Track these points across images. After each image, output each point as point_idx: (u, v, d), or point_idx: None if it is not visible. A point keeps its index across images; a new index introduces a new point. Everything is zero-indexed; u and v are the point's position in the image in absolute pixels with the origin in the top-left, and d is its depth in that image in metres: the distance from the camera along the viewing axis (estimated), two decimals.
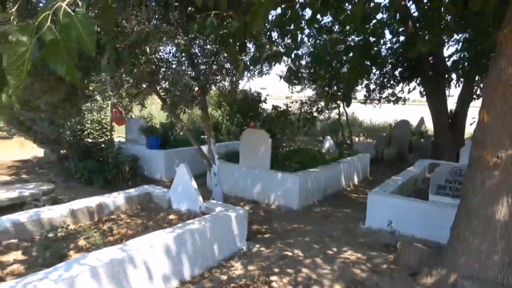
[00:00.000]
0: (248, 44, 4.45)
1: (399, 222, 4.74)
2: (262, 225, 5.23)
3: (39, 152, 9.15)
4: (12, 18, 1.45)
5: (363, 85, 10.34)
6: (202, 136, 7.94)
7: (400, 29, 7.61)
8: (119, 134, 9.14)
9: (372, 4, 4.04)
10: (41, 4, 3.91)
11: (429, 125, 11.64)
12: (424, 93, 9.70)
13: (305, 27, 4.80)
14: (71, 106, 4.94)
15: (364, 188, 7.48)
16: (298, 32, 4.07)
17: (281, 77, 7.63)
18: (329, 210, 6.04)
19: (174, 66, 4.63)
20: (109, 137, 7.22)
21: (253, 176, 6.33)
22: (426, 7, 5.85)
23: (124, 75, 3.86)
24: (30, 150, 9.89)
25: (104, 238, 3.59)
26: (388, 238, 4.62)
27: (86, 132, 7.03)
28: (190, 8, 4.32)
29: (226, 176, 6.33)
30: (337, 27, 6.38)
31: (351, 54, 4.33)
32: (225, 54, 4.81)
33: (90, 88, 5.28)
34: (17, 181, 6.51)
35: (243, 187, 6.46)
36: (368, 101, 10.49)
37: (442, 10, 4.42)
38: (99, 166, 6.52)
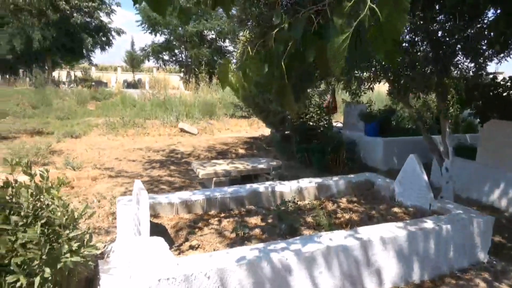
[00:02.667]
0: None
1: None
2: (507, 239, 4.25)
3: (266, 131, 10.38)
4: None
5: None
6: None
7: None
8: (337, 119, 9.34)
9: None
10: None
11: None
12: None
13: None
14: (302, 91, 5.22)
15: None
16: None
17: None
18: None
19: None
20: (328, 121, 7.40)
21: (495, 177, 5.23)
22: None
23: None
24: (256, 129, 11.36)
25: (329, 220, 3.63)
26: None
27: (308, 115, 7.42)
28: None
29: (457, 174, 5.46)
30: None
31: None
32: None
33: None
34: (249, 155, 7.52)
35: (478, 189, 5.44)
36: None
37: None
38: (318, 148, 6.78)
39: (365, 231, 3.01)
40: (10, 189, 2.52)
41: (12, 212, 2.44)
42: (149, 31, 25.70)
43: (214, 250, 2.98)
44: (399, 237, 3.01)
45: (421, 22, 4.19)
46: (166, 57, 27.59)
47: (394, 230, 3.06)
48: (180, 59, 27.63)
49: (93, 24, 23.92)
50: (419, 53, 4.43)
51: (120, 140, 8.51)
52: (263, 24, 4.47)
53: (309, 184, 4.43)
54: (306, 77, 5.82)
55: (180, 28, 24.53)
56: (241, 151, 7.87)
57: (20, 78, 21.24)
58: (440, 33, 4.35)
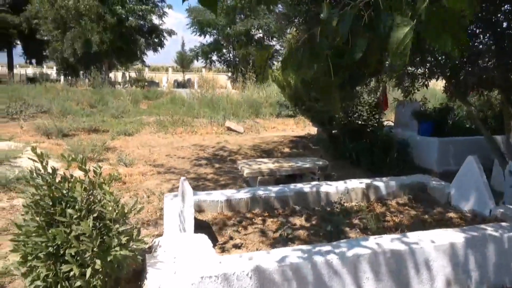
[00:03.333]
0: None
1: None
2: None
3: (312, 130, 10.21)
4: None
5: None
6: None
7: None
8: (387, 118, 8.96)
9: None
10: None
11: None
12: None
13: None
14: (351, 89, 5.05)
15: None
16: None
17: None
18: None
19: None
20: (378, 120, 7.11)
21: None
22: None
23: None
24: (303, 128, 11.21)
25: (378, 223, 3.47)
26: None
27: (357, 114, 7.18)
28: None
29: None
30: None
31: None
32: None
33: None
34: (294, 154, 7.43)
35: None
36: None
37: None
38: (367, 148, 6.54)
39: (417, 236, 2.84)
40: (66, 183, 2.67)
41: (68, 205, 2.58)
42: (198, 32, 26.36)
43: (257, 249, 2.96)
44: (455, 244, 2.80)
45: (483, 13, 3.88)
46: (214, 57, 28.19)
47: (450, 236, 2.85)
48: (228, 58, 28.07)
49: (146, 26, 24.98)
50: (480, 46, 4.10)
51: (169, 138, 8.80)
52: (311, 21, 4.37)
53: (356, 185, 4.27)
54: (355, 74, 5.63)
55: (228, 28, 24.91)
56: (287, 150, 7.81)
57: (81, 79, 22.73)
58: (505, 24, 4.00)
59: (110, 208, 2.67)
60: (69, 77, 23.07)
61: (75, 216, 2.48)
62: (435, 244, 2.75)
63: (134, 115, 11.96)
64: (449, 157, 6.35)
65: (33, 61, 32.14)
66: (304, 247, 2.65)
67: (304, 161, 5.88)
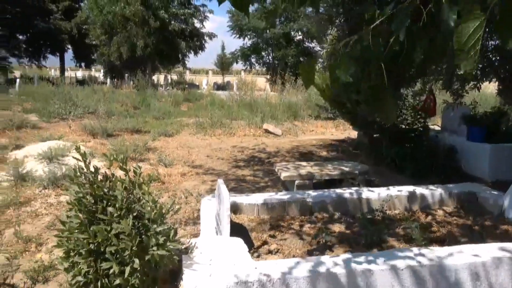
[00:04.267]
0: None
1: None
2: None
3: (352, 133, 9.94)
4: None
5: None
6: None
7: None
8: (432, 122, 8.54)
9: None
10: None
11: None
12: None
13: None
14: (394, 91, 4.83)
15: None
16: None
17: None
18: None
19: None
20: (423, 123, 6.77)
21: None
22: None
23: None
24: (342, 131, 10.95)
25: (423, 233, 3.27)
26: None
27: (400, 118, 6.88)
28: None
29: None
30: None
31: None
32: None
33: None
34: (333, 158, 7.24)
35: None
36: None
37: None
38: (412, 153, 6.24)
39: (469, 249, 2.63)
40: (108, 182, 2.73)
41: (108, 203, 2.64)
42: (238, 35, 26.62)
43: (294, 256, 2.89)
44: None
45: None
46: (253, 60, 28.33)
47: (509, 250, 2.62)
48: (267, 61, 28.14)
49: (188, 30, 25.59)
50: None
51: (208, 140, 8.90)
52: (353, 20, 4.24)
53: (400, 192, 4.07)
54: (400, 76, 5.40)
55: (267, 32, 24.97)
56: (325, 153, 7.64)
57: (125, 82, 23.66)
58: None
59: (149, 208, 2.71)
60: (115, 80, 24.10)
61: (115, 215, 2.53)
62: (493, 258, 2.53)
63: (175, 117, 12.24)
64: (502, 165, 5.91)
65: (83, 64, 33.93)
66: (344, 255, 2.54)
67: (344, 165, 5.70)
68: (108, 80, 24.32)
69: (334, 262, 2.40)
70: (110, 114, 11.27)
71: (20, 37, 28.01)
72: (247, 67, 29.32)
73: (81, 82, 22.75)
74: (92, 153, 6.59)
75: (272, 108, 12.15)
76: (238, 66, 33.06)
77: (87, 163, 2.71)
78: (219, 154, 7.46)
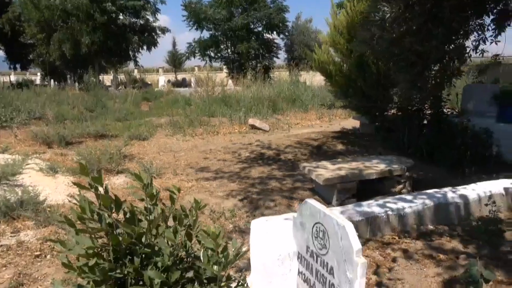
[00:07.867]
0: None
1: None
2: None
3: (345, 123, 9.14)
4: None
5: None
6: None
7: None
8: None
9: None
10: None
11: None
12: None
13: None
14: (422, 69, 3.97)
15: None
16: None
17: None
18: None
19: None
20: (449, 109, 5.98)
21: None
22: None
23: None
24: (327, 123, 10.13)
25: None
26: None
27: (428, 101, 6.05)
28: None
29: None
30: None
31: None
32: None
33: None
34: (350, 152, 6.28)
35: None
36: None
37: None
38: (442, 139, 5.43)
39: None
40: (147, 224, 1.50)
41: (144, 263, 1.42)
42: (195, 27, 25.06)
43: None
44: None
45: None
46: (212, 54, 26.75)
47: None
48: (226, 54, 26.70)
49: (139, 24, 23.55)
50: None
51: (191, 141, 7.58)
52: None
53: (494, 188, 3.15)
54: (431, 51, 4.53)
55: (226, 22, 23.68)
56: (341, 146, 6.63)
57: (70, 84, 21.20)
58: None
59: (207, 260, 1.54)
60: (56, 82, 21.49)
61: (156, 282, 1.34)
62: None
63: (139, 117, 10.70)
64: None
65: (18, 66, 30.30)
66: None
67: (384, 160, 4.72)
68: (52, 81, 21.63)
69: None
70: (62, 118, 9.48)
71: None
72: (206, 62, 27.49)
73: (18, 86, 20.01)
74: (54, 168, 5.06)
75: (253, 102, 11.02)
76: (192, 62, 31.37)
77: (102, 193, 1.46)
78: (212, 157, 6.20)
